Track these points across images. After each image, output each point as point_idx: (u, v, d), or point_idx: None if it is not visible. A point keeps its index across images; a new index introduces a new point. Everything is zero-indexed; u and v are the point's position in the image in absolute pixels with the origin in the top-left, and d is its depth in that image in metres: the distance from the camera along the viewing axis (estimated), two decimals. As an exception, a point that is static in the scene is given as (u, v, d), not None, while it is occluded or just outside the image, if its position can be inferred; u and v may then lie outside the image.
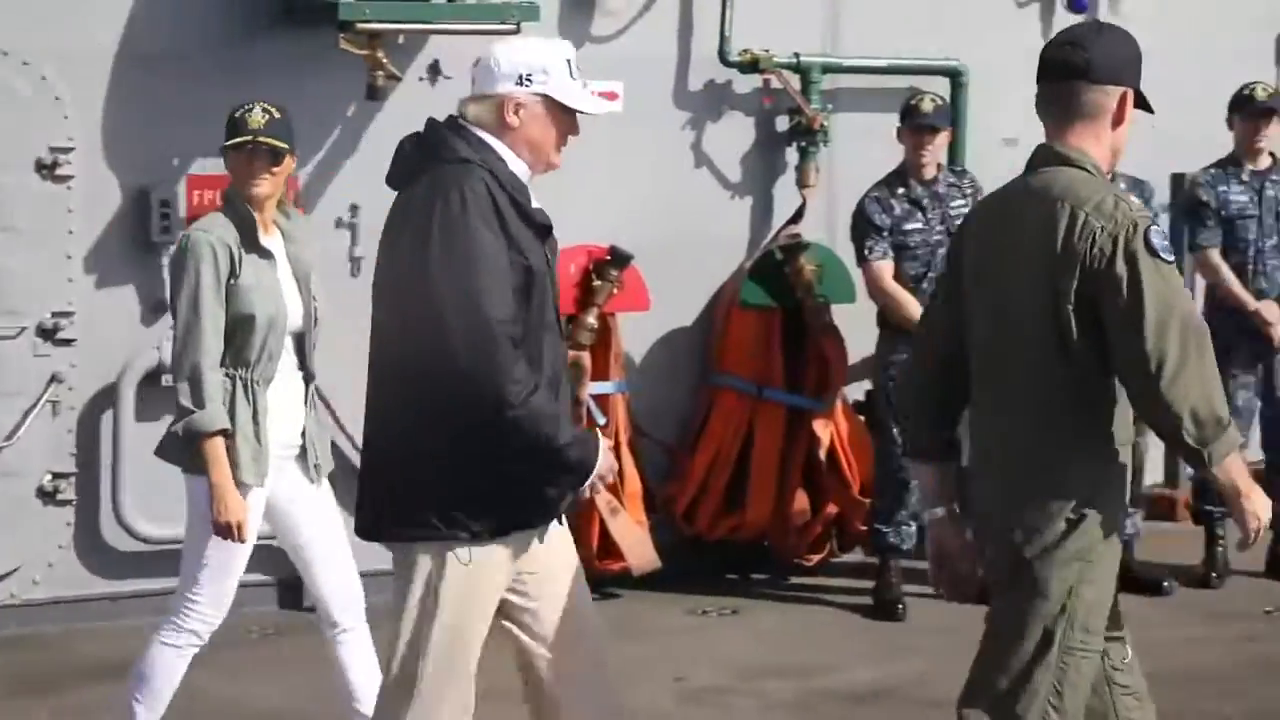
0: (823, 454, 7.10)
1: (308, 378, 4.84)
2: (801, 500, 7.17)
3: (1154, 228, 3.55)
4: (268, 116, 4.73)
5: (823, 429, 7.10)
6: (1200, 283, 7.60)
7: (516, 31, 6.51)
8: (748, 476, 7.13)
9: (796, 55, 7.29)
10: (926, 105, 6.81)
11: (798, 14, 7.42)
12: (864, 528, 7.09)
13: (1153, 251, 3.50)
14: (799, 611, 6.89)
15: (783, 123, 7.39)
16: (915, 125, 6.79)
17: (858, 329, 7.12)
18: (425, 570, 3.81)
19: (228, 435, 4.59)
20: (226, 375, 4.64)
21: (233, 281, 4.62)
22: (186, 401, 4.57)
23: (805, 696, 5.78)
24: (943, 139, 6.92)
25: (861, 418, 7.31)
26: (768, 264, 7.23)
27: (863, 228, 6.84)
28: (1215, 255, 7.19)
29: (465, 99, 3.90)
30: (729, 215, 7.40)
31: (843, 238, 7.09)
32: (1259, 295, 7.13)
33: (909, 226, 6.80)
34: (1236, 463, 3.60)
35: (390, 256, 3.83)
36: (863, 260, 6.87)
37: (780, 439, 7.15)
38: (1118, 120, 3.66)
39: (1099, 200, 3.54)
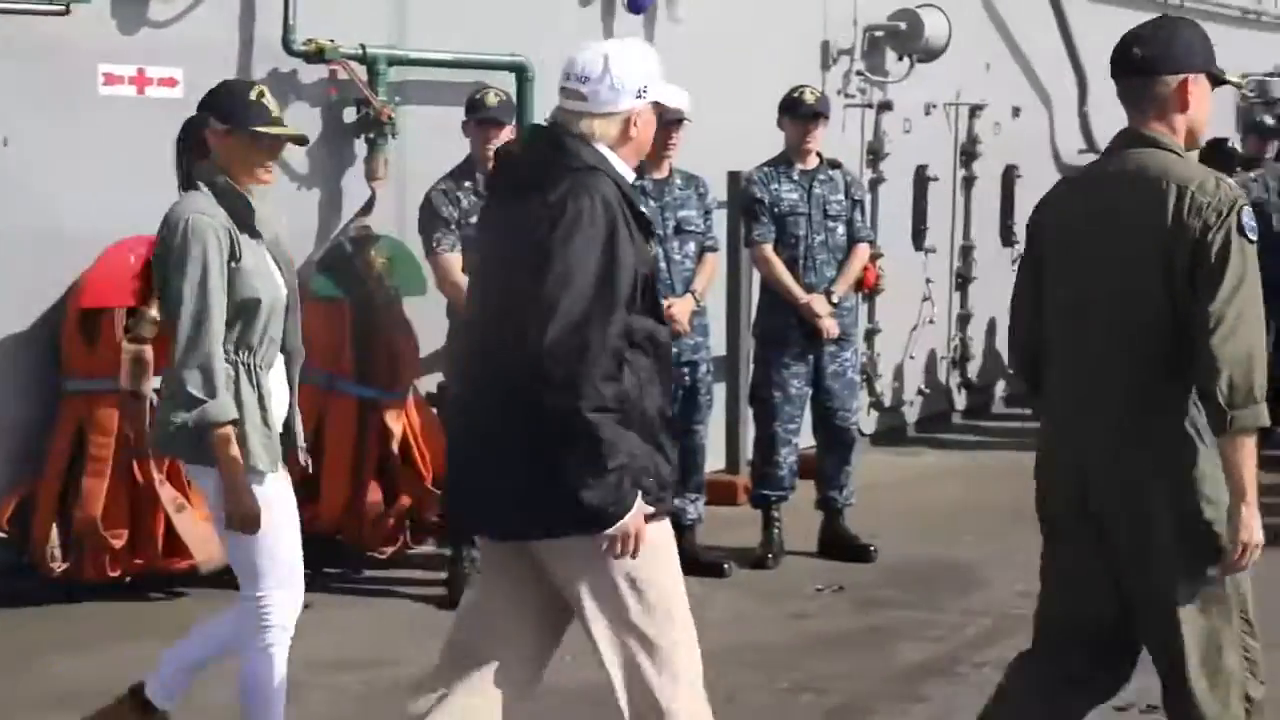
0: (395, 446, 7.10)
1: (288, 358, 4.70)
2: (375, 493, 7.13)
3: (1246, 208, 3.84)
4: (279, 104, 4.65)
5: (395, 421, 7.09)
6: (756, 276, 7.96)
7: (66, 13, 6.26)
8: (320, 470, 7.05)
9: (363, 46, 7.25)
10: (492, 99, 6.89)
11: (363, 5, 7.38)
12: (437, 519, 7.12)
13: (1241, 230, 3.80)
14: (373, 604, 6.87)
15: (350, 114, 7.35)
16: (480, 119, 6.86)
17: (429, 321, 7.15)
18: (603, 549, 3.79)
19: (236, 424, 4.41)
20: (228, 362, 4.46)
21: (234, 265, 4.46)
22: (197, 391, 4.37)
23: (375, 689, 5.76)
24: (508, 133, 7.00)
25: (434, 409, 7.34)
26: (337, 256, 7.18)
27: (431, 220, 6.86)
28: (769, 250, 7.50)
29: (580, 114, 3.89)
30: (296, 207, 7.28)
31: (412, 230, 7.09)
32: (809, 289, 7.48)
33: (476, 219, 6.85)
34: (1249, 452, 3.78)
35: (515, 253, 3.79)
36: (431, 253, 6.89)
37: (352, 432, 7.10)
38: (1184, 105, 3.96)
39: (1202, 180, 3.85)
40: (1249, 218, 3.83)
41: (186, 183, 4.62)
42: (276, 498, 4.56)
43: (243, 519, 4.44)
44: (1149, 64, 3.99)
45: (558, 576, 3.93)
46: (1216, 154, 10.22)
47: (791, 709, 5.56)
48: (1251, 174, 10.43)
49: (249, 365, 4.52)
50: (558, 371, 3.68)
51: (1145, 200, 3.86)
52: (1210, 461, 3.86)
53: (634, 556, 3.83)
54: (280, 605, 4.63)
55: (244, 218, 4.54)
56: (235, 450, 4.41)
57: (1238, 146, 10.47)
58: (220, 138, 4.55)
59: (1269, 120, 11.16)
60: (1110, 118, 13.69)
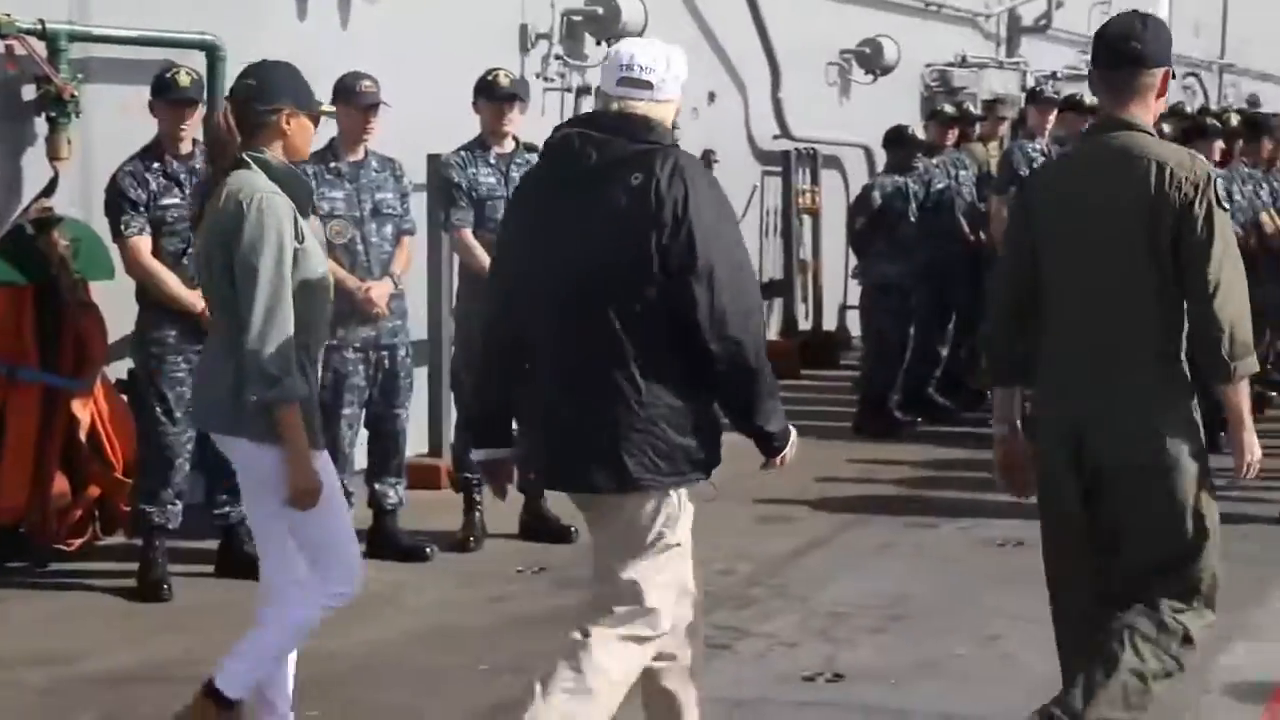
0: (83, 435, 6.88)
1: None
2: (61, 483, 6.90)
3: (1218, 180, 4.38)
4: None
5: (82, 409, 6.88)
6: (456, 259, 7.94)
7: None
8: (1, 461, 6.80)
9: (41, 22, 6.99)
10: (184, 79, 6.72)
11: (43, -22, 7.14)
12: (128, 509, 6.94)
13: (1218, 200, 4.32)
14: (58, 598, 6.65)
15: (29, 92, 7.08)
16: (175, 99, 6.69)
17: (118, 306, 6.94)
18: (673, 510, 4.26)
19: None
20: None
21: (298, 245, 4.54)
22: (274, 369, 4.44)
23: (61, 683, 5.60)
24: (198, 113, 6.85)
25: (124, 396, 7.14)
26: (17, 239, 6.90)
27: (118, 203, 6.66)
28: (469, 234, 7.49)
29: (644, 101, 4.24)
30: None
31: (99, 212, 6.88)
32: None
33: (166, 202, 6.69)
34: (1245, 392, 4.39)
35: (617, 222, 4.11)
36: (119, 236, 6.70)
37: (36, 421, 6.85)
38: (1160, 93, 4.49)
39: (1179, 158, 4.37)
40: (1222, 189, 4.33)
41: (232, 162, 4.59)
42: (327, 473, 4.66)
43: (306, 493, 4.52)
44: (1143, 58, 4.44)
45: (615, 524, 4.27)
46: (898, 140, 10.62)
47: (492, 689, 5.59)
48: (934, 160, 10.84)
49: (305, 345, 4.58)
50: (749, 325, 4.15)
51: (1130, 176, 4.34)
52: (1190, 408, 4.40)
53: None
54: (346, 587, 4.71)
55: (304, 199, 4.66)
56: (302, 426, 4.50)
57: (919, 133, 10.86)
58: (292, 121, 4.65)
59: (950, 109, 11.62)
60: (800, 103, 14.11)
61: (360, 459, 7.44)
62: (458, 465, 7.75)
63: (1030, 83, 14.05)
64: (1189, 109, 15.11)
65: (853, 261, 11.28)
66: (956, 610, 6.59)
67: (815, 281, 13.32)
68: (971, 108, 12.32)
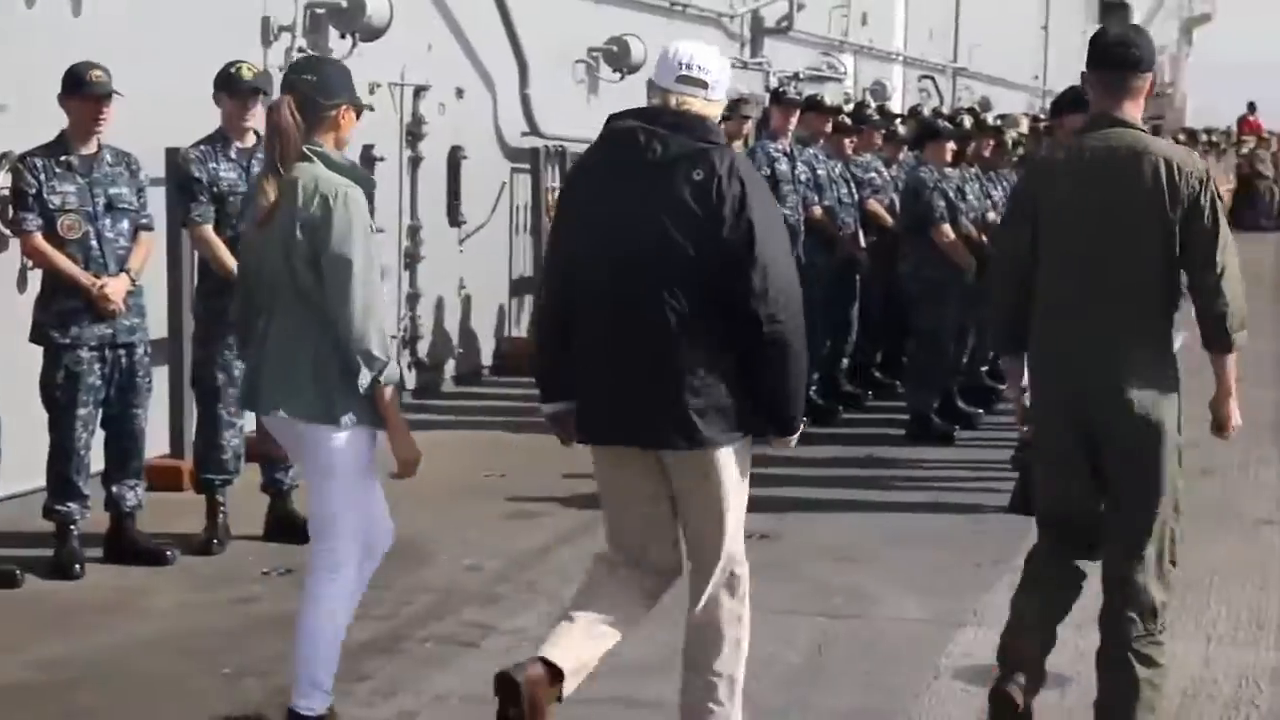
0: None
1: None
2: None
3: (1211, 173, 4.89)
4: None
5: None
6: (196, 256, 7.76)
7: None
8: None
9: None
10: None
11: None
12: None
13: (1218, 193, 4.84)
14: None
15: None
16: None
17: None
18: (741, 462, 4.67)
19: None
20: None
21: (374, 234, 4.86)
22: (380, 353, 4.72)
23: None
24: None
25: None
26: None
27: None
28: (208, 230, 7.31)
29: (701, 99, 4.59)
30: None
31: None
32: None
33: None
34: (1233, 368, 4.89)
35: (680, 209, 4.48)
36: None
37: None
38: (1150, 94, 4.96)
39: (1183, 155, 4.88)
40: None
41: (297, 155, 4.79)
42: (366, 449, 4.92)
43: (411, 462, 4.86)
44: (1140, 62, 4.91)
45: (686, 479, 4.66)
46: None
47: (233, 693, 5.49)
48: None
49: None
50: (792, 308, 4.52)
51: (1139, 170, 4.80)
52: (1180, 381, 4.89)
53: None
54: (355, 551, 4.96)
55: (370, 191, 4.92)
56: (399, 403, 4.83)
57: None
58: (346, 115, 4.92)
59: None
60: (548, 101, 14.13)
61: (97, 460, 7.22)
62: (200, 466, 7.58)
63: (773, 83, 14.29)
64: (924, 110, 15.59)
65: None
66: (703, 602, 6.66)
67: (564, 278, 13.31)
68: (716, 107, 12.47)
